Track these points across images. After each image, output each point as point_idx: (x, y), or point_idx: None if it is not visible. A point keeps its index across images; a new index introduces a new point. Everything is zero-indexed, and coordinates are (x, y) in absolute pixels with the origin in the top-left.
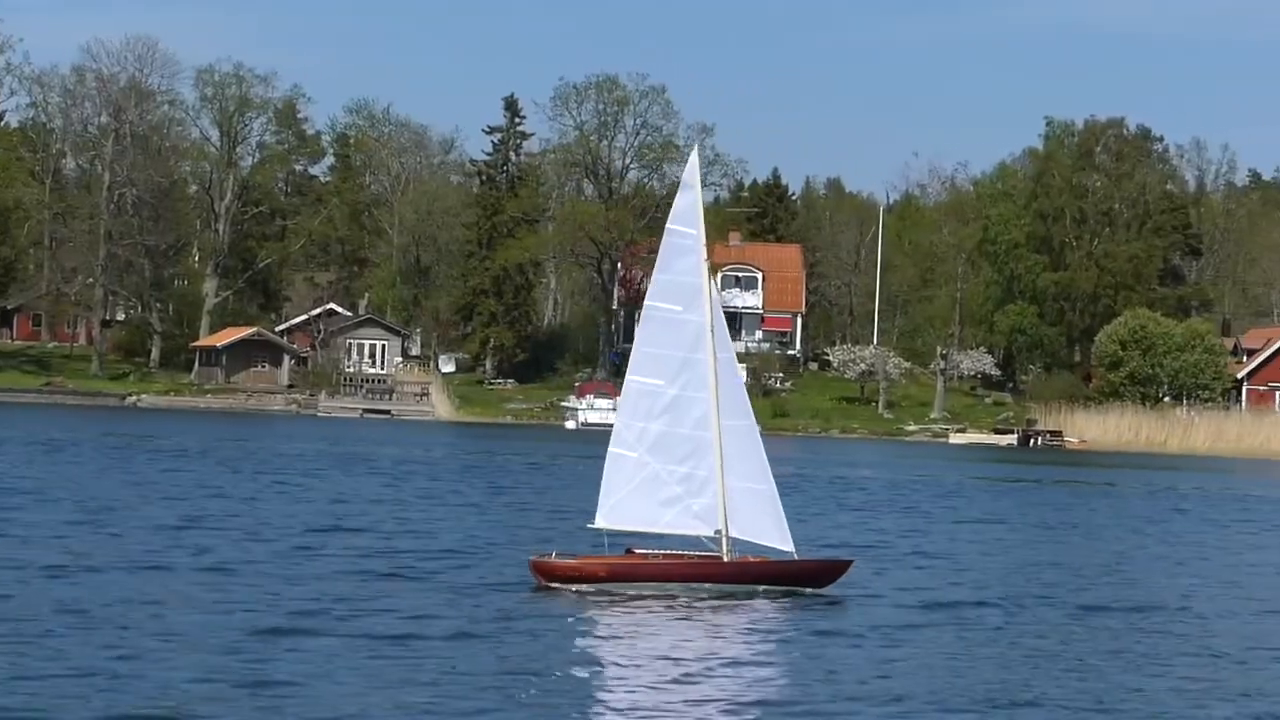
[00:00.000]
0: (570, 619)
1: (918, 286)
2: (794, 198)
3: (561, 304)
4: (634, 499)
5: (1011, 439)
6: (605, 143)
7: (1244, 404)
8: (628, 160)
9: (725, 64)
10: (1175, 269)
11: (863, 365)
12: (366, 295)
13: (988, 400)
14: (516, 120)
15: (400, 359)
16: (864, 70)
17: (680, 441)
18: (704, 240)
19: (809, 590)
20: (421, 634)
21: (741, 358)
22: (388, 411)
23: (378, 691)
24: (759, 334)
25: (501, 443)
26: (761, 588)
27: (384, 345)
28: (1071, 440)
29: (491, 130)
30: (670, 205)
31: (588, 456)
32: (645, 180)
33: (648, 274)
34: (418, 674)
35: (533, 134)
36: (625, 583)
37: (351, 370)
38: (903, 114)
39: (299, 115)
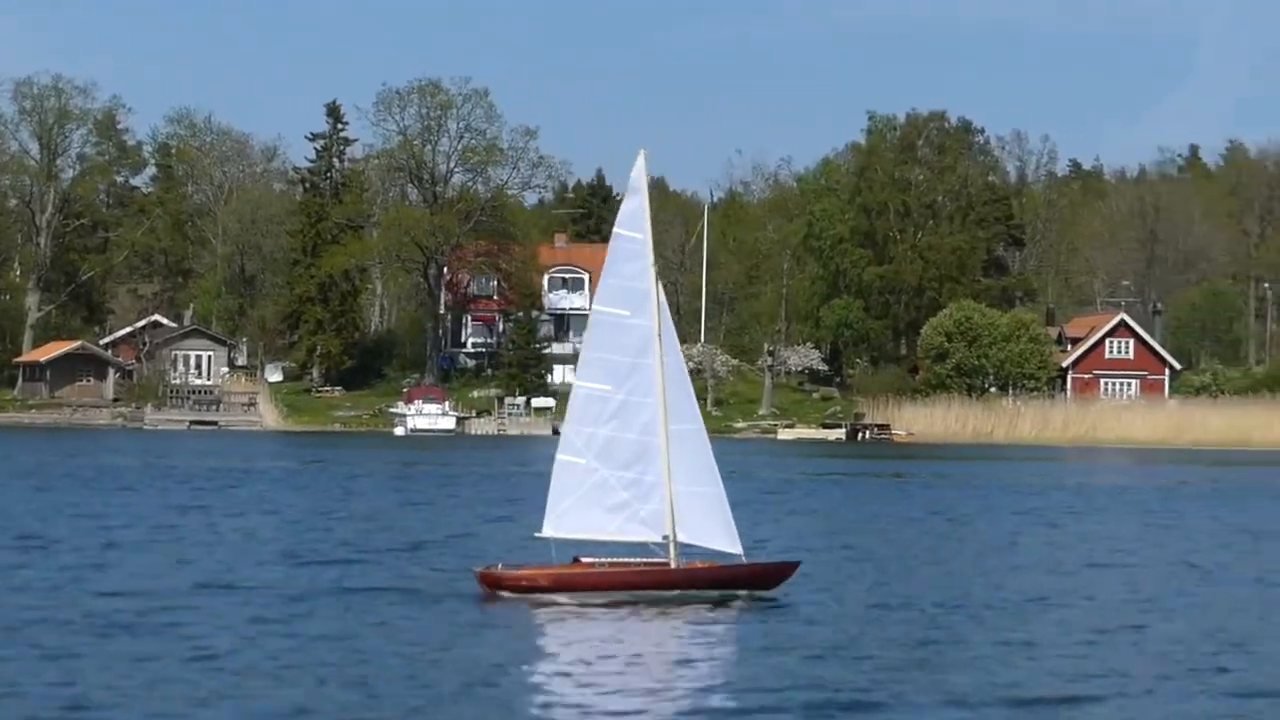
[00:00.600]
0: (516, 628)
1: (743, 284)
2: (618, 197)
3: (388, 310)
4: (581, 506)
5: (840, 433)
6: (429, 147)
7: (1069, 392)
8: (452, 164)
9: (548, 66)
10: (998, 260)
11: (690, 363)
12: (191, 306)
13: (816, 395)
14: (339, 126)
15: (226, 369)
16: (686, 69)
17: (628, 447)
18: (651, 244)
19: (758, 593)
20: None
21: (569, 359)
22: (215, 423)
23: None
24: None
25: (330, 450)
26: (711, 593)
27: (210, 356)
28: (899, 433)
29: (314, 137)
30: (497, 208)
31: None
32: (470, 184)
33: (474, 278)
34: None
35: (356, 140)
36: (572, 592)
37: (178, 382)
38: (725, 112)
39: (119, 126)
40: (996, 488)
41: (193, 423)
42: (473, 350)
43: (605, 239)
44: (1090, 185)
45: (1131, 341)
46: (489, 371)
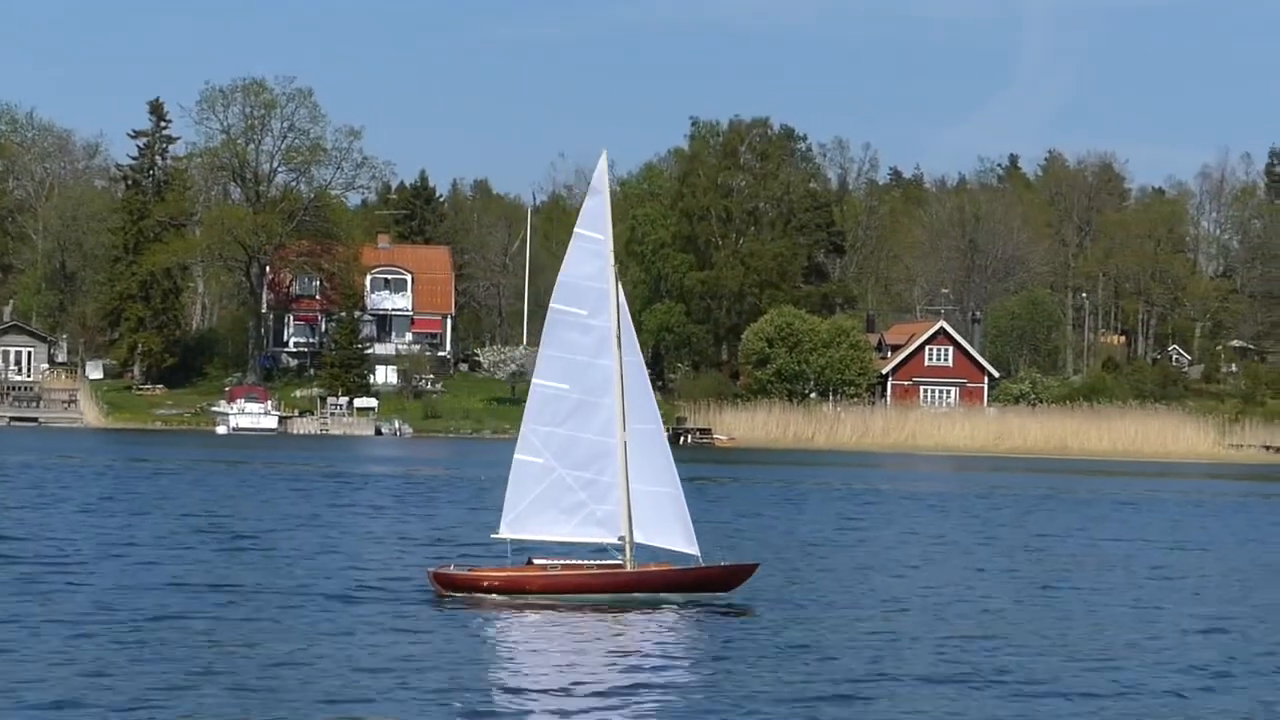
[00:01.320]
0: (468, 628)
1: None
2: (442, 200)
3: (210, 308)
4: (537, 507)
5: None
6: (252, 146)
7: (889, 399)
8: (275, 163)
9: (372, 66)
10: (819, 266)
11: (513, 366)
12: (11, 302)
13: None
14: (162, 124)
15: (47, 366)
16: (510, 72)
17: (584, 447)
18: (611, 244)
19: (715, 594)
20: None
21: (391, 360)
22: (35, 419)
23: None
24: (409, 336)
25: (147, 449)
26: (667, 595)
27: (30, 352)
28: (721, 438)
29: (137, 134)
30: (320, 208)
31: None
32: (293, 183)
33: (297, 277)
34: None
35: (179, 138)
36: (524, 594)
37: None
38: (549, 115)
39: None
40: (814, 492)
41: (12, 419)
42: (295, 350)
43: (428, 240)
44: (911, 193)
45: (951, 349)
46: (311, 371)
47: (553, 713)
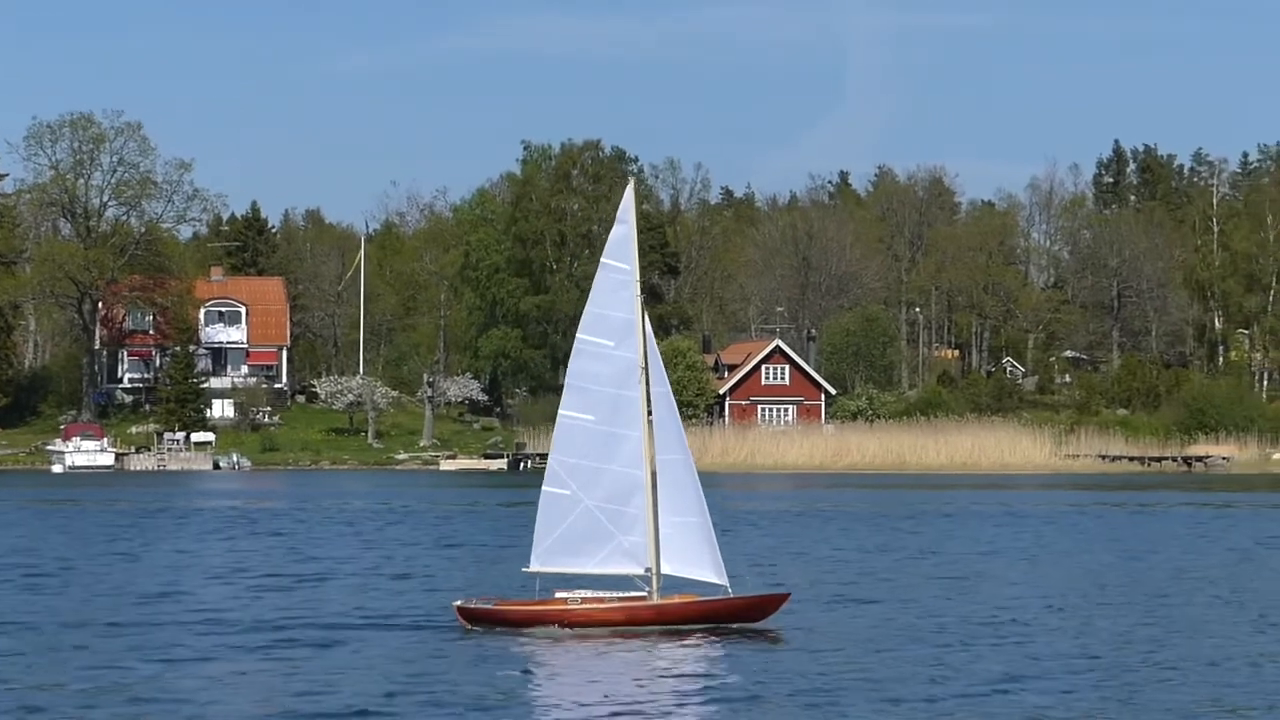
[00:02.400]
0: (497, 660)
1: (401, 315)
2: (274, 230)
3: (43, 346)
4: (565, 539)
5: (502, 463)
6: (82, 181)
7: (727, 419)
8: (105, 198)
9: (201, 98)
10: (654, 288)
11: (350, 396)
12: None
13: (477, 426)
14: None
15: None
16: (340, 101)
17: (612, 478)
18: (638, 275)
19: (746, 625)
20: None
21: (227, 393)
22: None
23: None
24: (245, 368)
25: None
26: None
27: None
28: None
29: None
30: (151, 241)
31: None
32: (124, 217)
33: (130, 312)
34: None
35: (6, 174)
36: (548, 626)
37: None
38: (380, 143)
39: None
40: None
41: None
42: (130, 385)
43: (261, 272)
44: (743, 213)
45: (787, 367)
46: (147, 407)
47: None
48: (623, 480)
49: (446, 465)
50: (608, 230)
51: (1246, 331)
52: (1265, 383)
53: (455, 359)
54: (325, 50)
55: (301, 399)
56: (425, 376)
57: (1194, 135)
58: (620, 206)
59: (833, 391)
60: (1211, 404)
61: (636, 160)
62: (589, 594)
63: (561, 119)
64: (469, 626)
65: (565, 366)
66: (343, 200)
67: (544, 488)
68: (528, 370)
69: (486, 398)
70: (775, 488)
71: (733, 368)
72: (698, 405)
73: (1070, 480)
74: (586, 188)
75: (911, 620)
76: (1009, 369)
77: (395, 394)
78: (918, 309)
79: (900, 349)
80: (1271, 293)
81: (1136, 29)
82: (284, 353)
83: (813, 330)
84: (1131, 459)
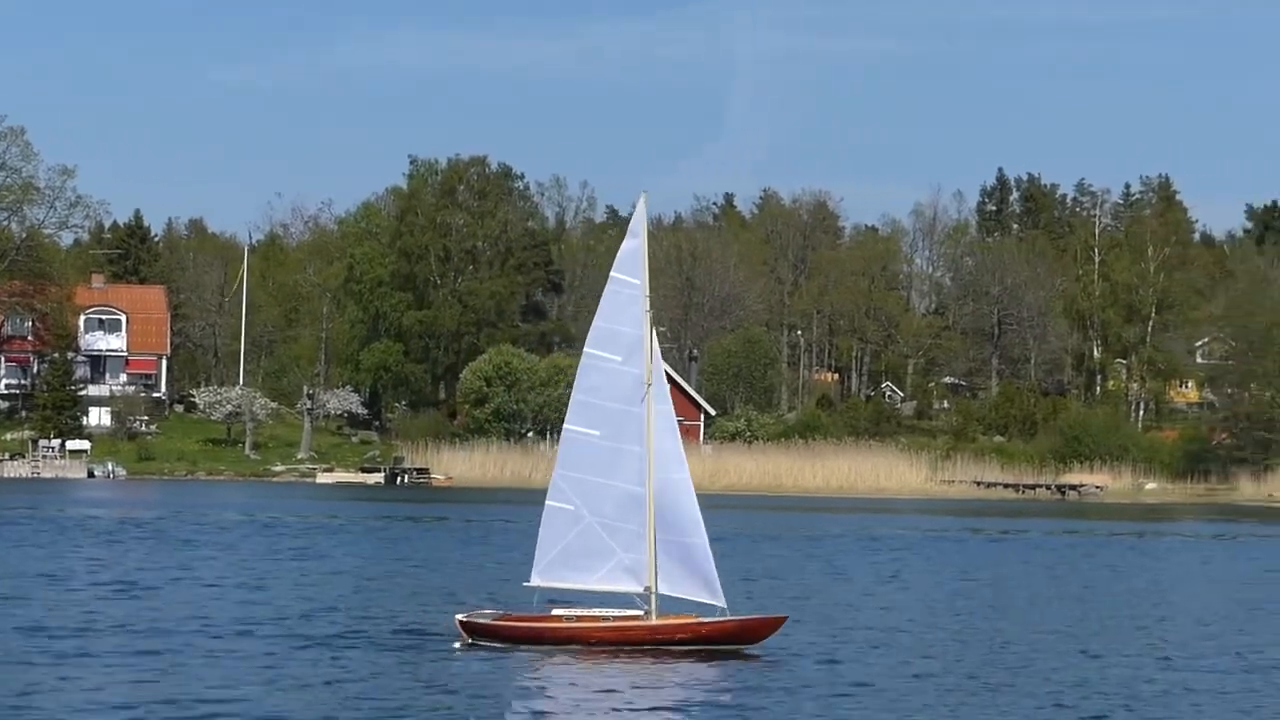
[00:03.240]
0: (496, 674)
1: (283, 326)
2: (156, 239)
3: None
4: (567, 555)
5: (379, 477)
6: None
7: None
8: None
9: (86, 105)
10: (538, 305)
11: (229, 406)
12: None
13: (355, 439)
14: None
15: None
16: (225, 111)
17: (614, 494)
18: (648, 290)
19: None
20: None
21: (105, 401)
22: None
23: None
24: (124, 377)
25: None
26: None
27: None
28: (439, 477)
29: None
30: (32, 248)
31: None
32: (4, 223)
33: (8, 318)
34: None
35: None
36: (543, 643)
37: None
38: (265, 155)
39: None
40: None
41: None
42: (6, 391)
43: (143, 280)
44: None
45: (668, 387)
46: (23, 413)
47: None
48: (626, 497)
49: (323, 478)
50: (493, 246)
51: (1125, 361)
52: (1141, 413)
53: (336, 372)
54: (213, 60)
55: (180, 409)
56: (305, 389)
57: (1077, 165)
58: (633, 220)
59: (712, 412)
60: (1087, 433)
61: (522, 177)
62: (583, 612)
63: (448, 135)
64: (469, 640)
65: (446, 382)
66: (227, 211)
67: (548, 502)
68: (408, 384)
69: (366, 411)
70: None
71: None
72: None
73: (944, 506)
74: (472, 203)
75: None
76: (888, 393)
77: (274, 406)
78: (799, 332)
79: (781, 371)
80: (1150, 323)
81: (1021, 57)
82: (163, 362)
83: (694, 350)
84: (1006, 486)
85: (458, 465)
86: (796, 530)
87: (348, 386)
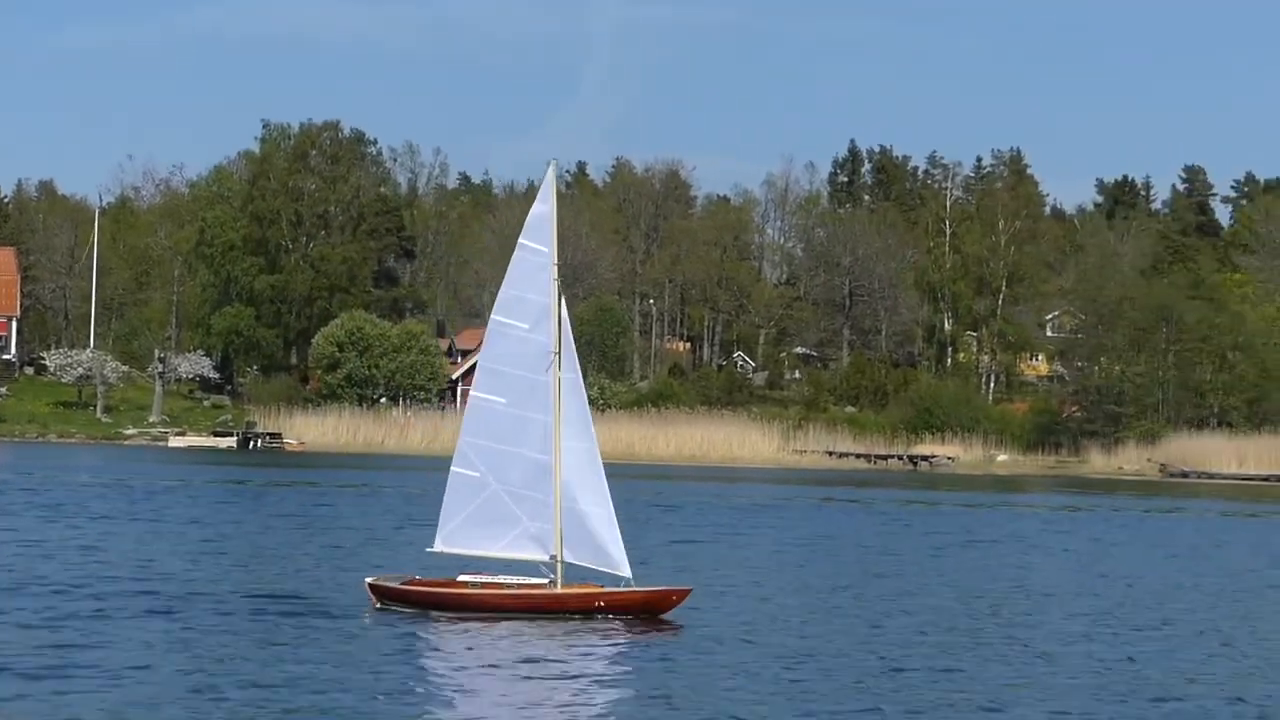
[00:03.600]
0: (407, 638)
1: (134, 289)
2: (6, 200)
3: None
4: (471, 522)
5: (231, 441)
6: None
7: (459, 403)
8: None
9: None
10: (390, 271)
11: (80, 369)
12: None
13: (207, 403)
14: None
15: None
16: (77, 72)
17: (520, 462)
18: (555, 256)
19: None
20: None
21: None
22: None
23: None
24: None
25: None
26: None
27: None
28: (291, 442)
29: None
30: None
31: None
32: None
33: None
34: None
35: None
36: (451, 610)
37: None
38: (117, 117)
39: None
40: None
41: None
42: None
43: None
44: (480, 199)
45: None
46: None
47: None
48: (532, 465)
49: (175, 442)
50: (345, 211)
51: (975, 334)
52: (992, 385)
53: (187, 335)
54: (65, 22)
55: (30, 371)
56: (156, 352)
57: (929, 138)
58: (542, 185)
59: None
60: (938, 404)
61: (375, 142)
62: (490, 579)
63: (301, 99)
64: (378, 604)
65: (298, 347)
66: (77, 173)
67: (453, 468)
68: (260, 349)
69: (218, 375)
70: None
71: (466, 353)
72: (430, 389)
73: (797, 476)
74: (324, 168)
75: None
76: (740, 363)
77: (126, 369)
78: (651, 301)
79: (633, 340)
80: (1001, 296)
81: (875, 30)
82: (13, 324)
83: None
84: (858, 456)
85: (310, 430)
86: (654, 498)
87: (199, 350)
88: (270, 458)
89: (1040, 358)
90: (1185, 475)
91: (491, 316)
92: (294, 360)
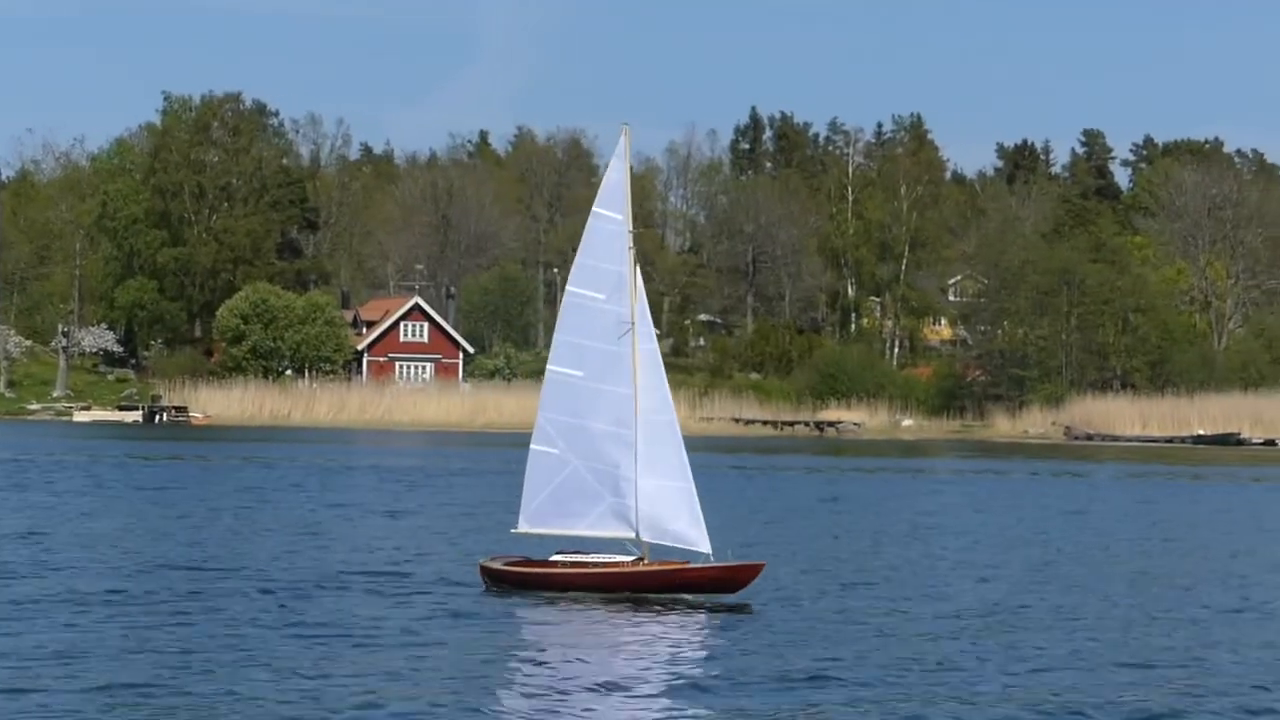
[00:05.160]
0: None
1: (35, 264)
2: None
3: None
4: (555, 500)
5: (137, 415)
6: None
7: (365, 375)
8: None
9: None
10: (293, 242)
11: None
12: None
13: (112, 377)
14: None
15: None
16: None
17: (599, 437)
18: (630, 224)
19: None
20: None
21: None
22: None
23: None
24: None
25: None
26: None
27: None
28: (197, 415)
29: None
30: None
31: None
32: None
33: None
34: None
35: None
36: (556, 590)
37: None
38: (14, 89)
39: None
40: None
41: None
42: None
43: None
44: (382, 169)
45: (426, 325)
46: None
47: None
48: (612, 440)
49: (80, 416)
50: (248, 183)
51: (878, 299)
52: (896, 350)
53: (91, 309)
54: None
55: None
56: (59, 326)
57: (830, 104)
58: (615, 150)
59: (471, 350)
60: (843, 370)
61: (277, 114)
62: (585, 557)
63: (203, 71)
64: (490, 586)
65: (202, 320)
66: None
67: (532, 446)
68: (164, 322)
69: (122, 349)
70: (410, 445)
71: (371, 324)
72: (335, 361)
73: (705, 443)
74: (226, 140)
75: None
76: None
77: (29, 343)
78: (555, 270)
79: (538, 309)
80: (904, 261)
81: None
82: None
83: (451, 288)
84: (765, 422)
85: (216, 403)
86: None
87: (103, 324)
88: (178, 431)
89: (943, 322)
90: (1089, 438)
91: (567, 288)
92: (198, 333)
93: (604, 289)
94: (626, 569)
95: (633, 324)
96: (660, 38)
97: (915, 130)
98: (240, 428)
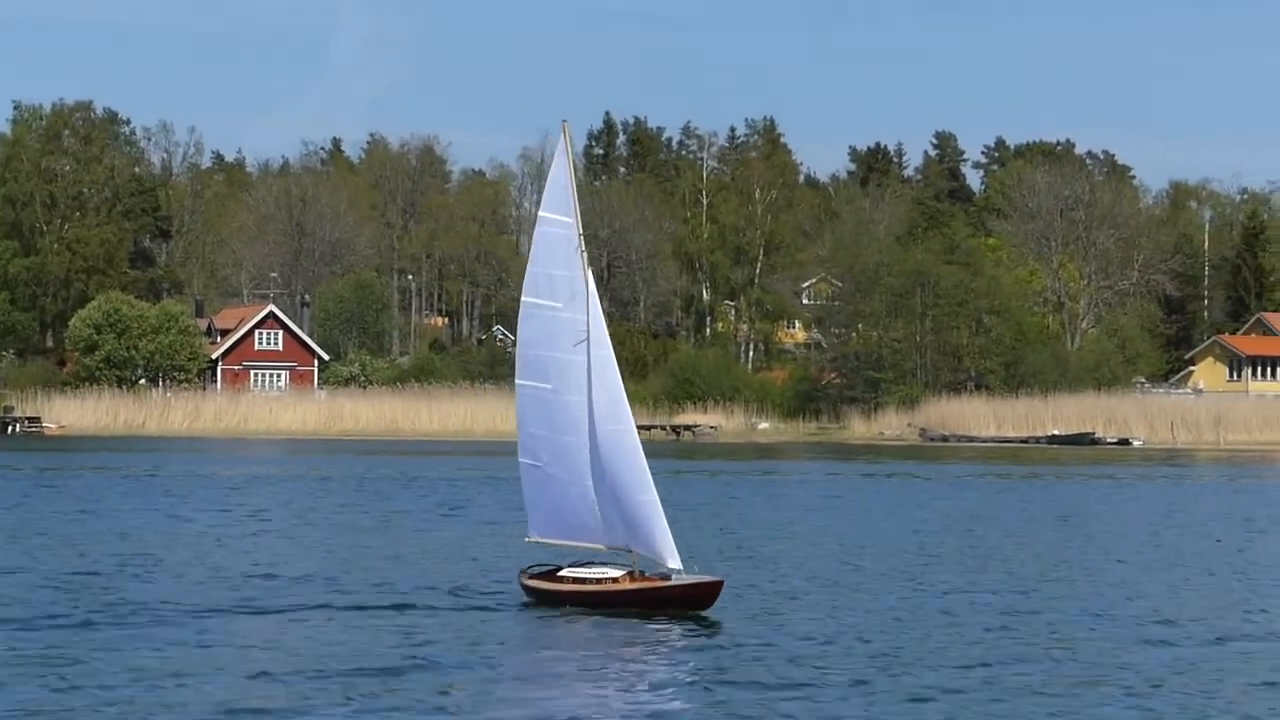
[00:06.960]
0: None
1: None
2: None
3: None
4: (552, 511)
5: None
6: None
7: (220, 383)
8: None
9: None
10: (146, 251)
11: None
12: None
13: None
14: None
15: None
16: None
17: (573, 450)
18: (580, 227)
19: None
20: None
21: None
22: None
23: None
24: None
25: None
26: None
27: None
28: (50, 426)
29: None
30: None
31: None
32: None
33: None
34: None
35: None
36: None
37: None
38: None
39: None
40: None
41: None
42: None
43: None
44: (235, 177)
45: (281, 333)
46: None
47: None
48: (583, 452)
49: None
50: (100, 192)
51: (733, 303)
52: (751, 354)
53: None
54: None
55: None
56: None
57: (683, 109)
58: (556, 150)
59: (326, 357)
60: (698, 374)
61: (129, 122)
62: (585, 573)
63: (52, 79)
64: (528, 596)
65: (55, 330)
66: None
67: (519, 459)
68: (16, 333)
69: None
70: (267, 453)
71: (225, 332)
72: (190, 369)
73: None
74: (78, 149)
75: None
76: (500, 337)
77: None
78: (410, 276)
79: (393, 315)
80: (758, 265)
81: (623, 2)
82: None
83: (306, 296)
84: None
85: (70, 413)
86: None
87: None
88: (33, 442)
89: (798, 326)
90: (945, 439)
91: (523, 299)
92: (51, 344)
93: (560, 297)
94: (600, 587)
95: (588, 332)
96: (513, 43)
97: (768, 134)
98: (94, 438)
